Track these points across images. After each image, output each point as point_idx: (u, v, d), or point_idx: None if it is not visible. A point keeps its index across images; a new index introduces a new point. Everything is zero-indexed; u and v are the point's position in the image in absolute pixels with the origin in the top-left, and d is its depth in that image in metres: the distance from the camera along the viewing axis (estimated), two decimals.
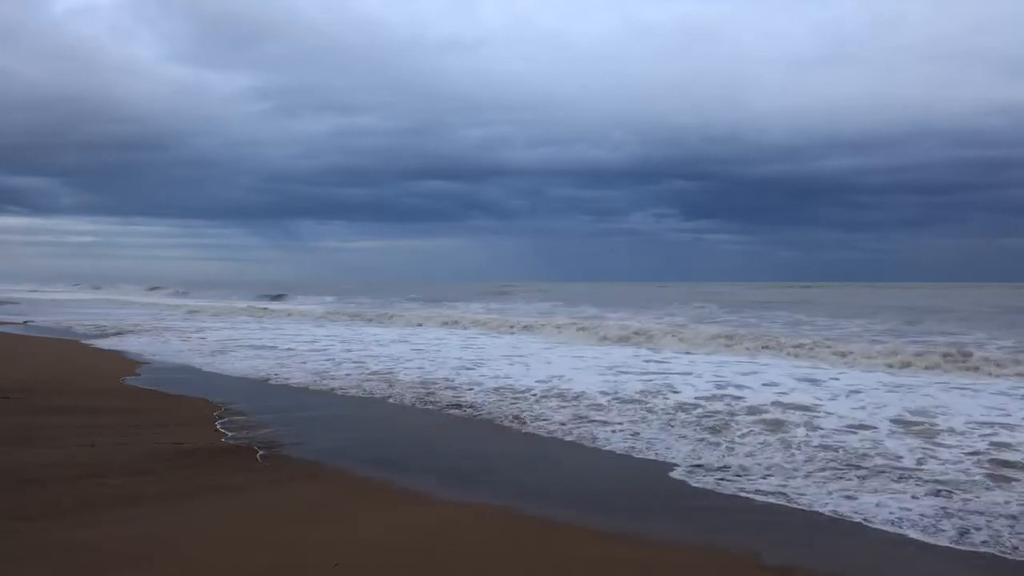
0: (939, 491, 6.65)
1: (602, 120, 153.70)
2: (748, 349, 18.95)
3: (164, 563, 4.82)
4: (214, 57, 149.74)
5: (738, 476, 7.16)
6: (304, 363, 16.08)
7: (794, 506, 6.33)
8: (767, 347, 18.93)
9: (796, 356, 17.58)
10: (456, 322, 30.43)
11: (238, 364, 15.92)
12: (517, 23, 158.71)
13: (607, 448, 8.42)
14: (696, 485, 6.94)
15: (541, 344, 21.57)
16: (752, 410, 10.39)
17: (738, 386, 12.62)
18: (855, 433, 8.98)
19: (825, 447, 8.24)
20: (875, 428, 9.28)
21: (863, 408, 10.68)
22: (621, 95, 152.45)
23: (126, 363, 16.02)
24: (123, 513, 5.84)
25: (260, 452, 8.01)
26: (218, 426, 9.28)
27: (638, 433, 9.08)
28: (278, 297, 55.08)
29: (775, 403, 10.94)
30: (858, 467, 7.47)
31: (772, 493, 6.63)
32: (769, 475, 7.19)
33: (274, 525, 5.66)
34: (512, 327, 27.33)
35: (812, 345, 18.50)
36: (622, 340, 22.14)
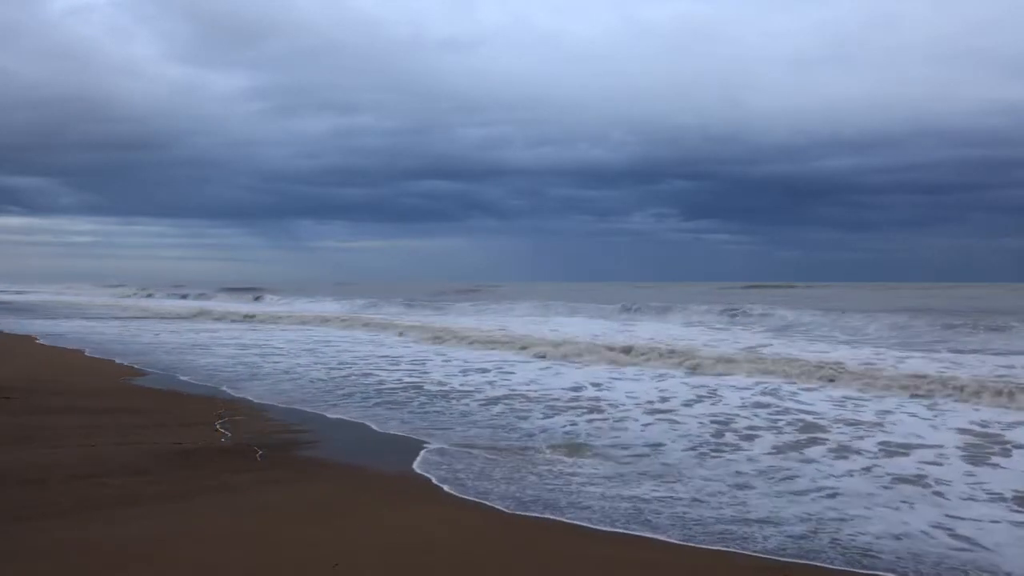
0: None
1: (602, 120, 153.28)
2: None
3: (164, 563, 4.82)
4: (213, 57, 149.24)
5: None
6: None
7: None
8: None
9: None
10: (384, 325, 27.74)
11: None
12: (516, 23, 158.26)
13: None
14: None
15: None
16: None
17: None
18: None
19: None
20: None
21: None
22: (621, 95, 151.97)
23: (126, 364, 16.01)
24: (123, 513, 5.84)
25: (260, 452, 8.01)
26: (218, 426, 9.27)
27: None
28: (258, 298, 54.94)
29: None
30: None
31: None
32: None
33: (274, 525, 5.66)
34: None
35: None
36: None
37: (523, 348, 18.89)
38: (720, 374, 14.17)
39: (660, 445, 8.53)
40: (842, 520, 5.93)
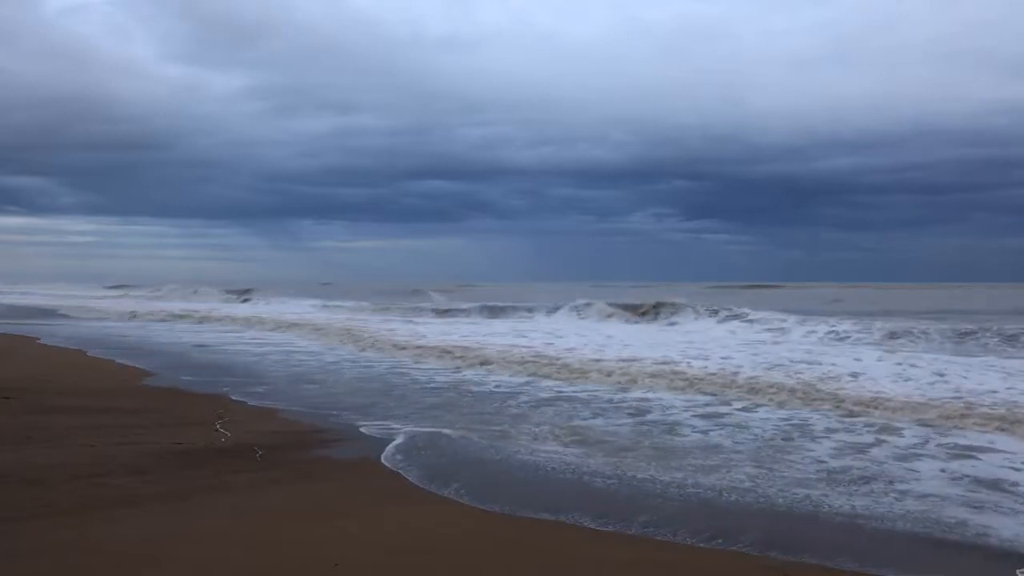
0: None
1: (602, 120, 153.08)
2: None
3: (164, 563, 4.83)
4: (211, 56, 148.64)
5: None
6: None
7: None
8: None
9: None
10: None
11: None
12: (515, 22, 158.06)
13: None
14: None
15: None
16: None
17: None
18: None
19: None
20: None
21: None
22: (621, 95, 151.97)
23: (126, 364, 16.01)
24: (123, 513, 5.85)
25: (260, 452, 8.01)
26: (218, 426, 9.27)
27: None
28: (245, 301, 54.97)
29: None
30: None
31: None
32: None
33: (274, 525, 5.66)
34: None
35: None
36: None
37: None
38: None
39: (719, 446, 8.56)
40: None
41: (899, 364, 14.32)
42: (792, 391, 11.69)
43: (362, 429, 9.36)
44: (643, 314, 30.48)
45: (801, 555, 5.22)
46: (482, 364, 15.72)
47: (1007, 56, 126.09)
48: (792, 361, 15.08)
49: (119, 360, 16.54)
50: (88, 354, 18.03)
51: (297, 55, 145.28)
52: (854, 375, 13.09)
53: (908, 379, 12.61)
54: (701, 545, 5.44)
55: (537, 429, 9.33)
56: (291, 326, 27.15)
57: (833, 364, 14.52)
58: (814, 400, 11.13)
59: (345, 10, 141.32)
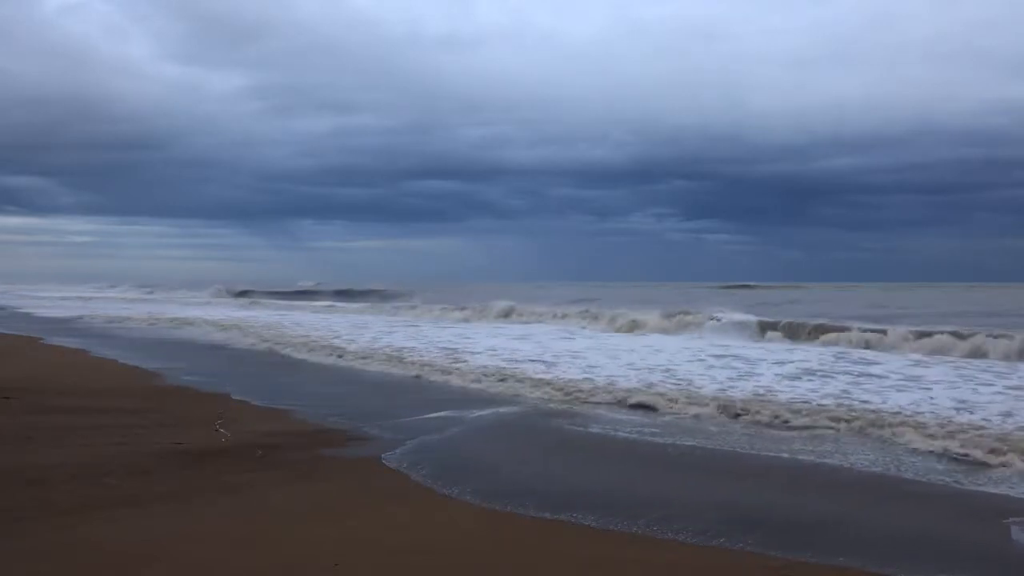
0: None
1: (602, 120, 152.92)
2: None
3: (164, 563, 4.82)
4: (209, 56, 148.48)
5: None
6: None
7: None
8: None
9: None
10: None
11: None
12: (515, 22, 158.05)
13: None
14: None
15: None
16: None
17: None
18: None
19: None
20: None
21: None
22: (621, 95, 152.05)
23: (127, 364, 16.01)
24: (123, 513, 5.84)
25: (260, 452, 8.01)
26: (218, 426, 9.26)
27: None
28: (242, 299, 55.24)
29: None
30: None
31: None
32: None
33: (274, 525, 5.66)
34: None
35: None
36: None
37: None
38: None
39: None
40: None
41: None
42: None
43: (364, 429, 9.37)
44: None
45: (803, 552, 5.22)
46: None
47: (1007, 56, 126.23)
48: None
49: (121, 361, 16.54)
50: (89, 355, 18.03)
51: (296, 55, 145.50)
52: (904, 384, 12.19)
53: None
54: (702, 544, 5.43)
55: None
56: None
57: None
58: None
59: (344, 10, 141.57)
